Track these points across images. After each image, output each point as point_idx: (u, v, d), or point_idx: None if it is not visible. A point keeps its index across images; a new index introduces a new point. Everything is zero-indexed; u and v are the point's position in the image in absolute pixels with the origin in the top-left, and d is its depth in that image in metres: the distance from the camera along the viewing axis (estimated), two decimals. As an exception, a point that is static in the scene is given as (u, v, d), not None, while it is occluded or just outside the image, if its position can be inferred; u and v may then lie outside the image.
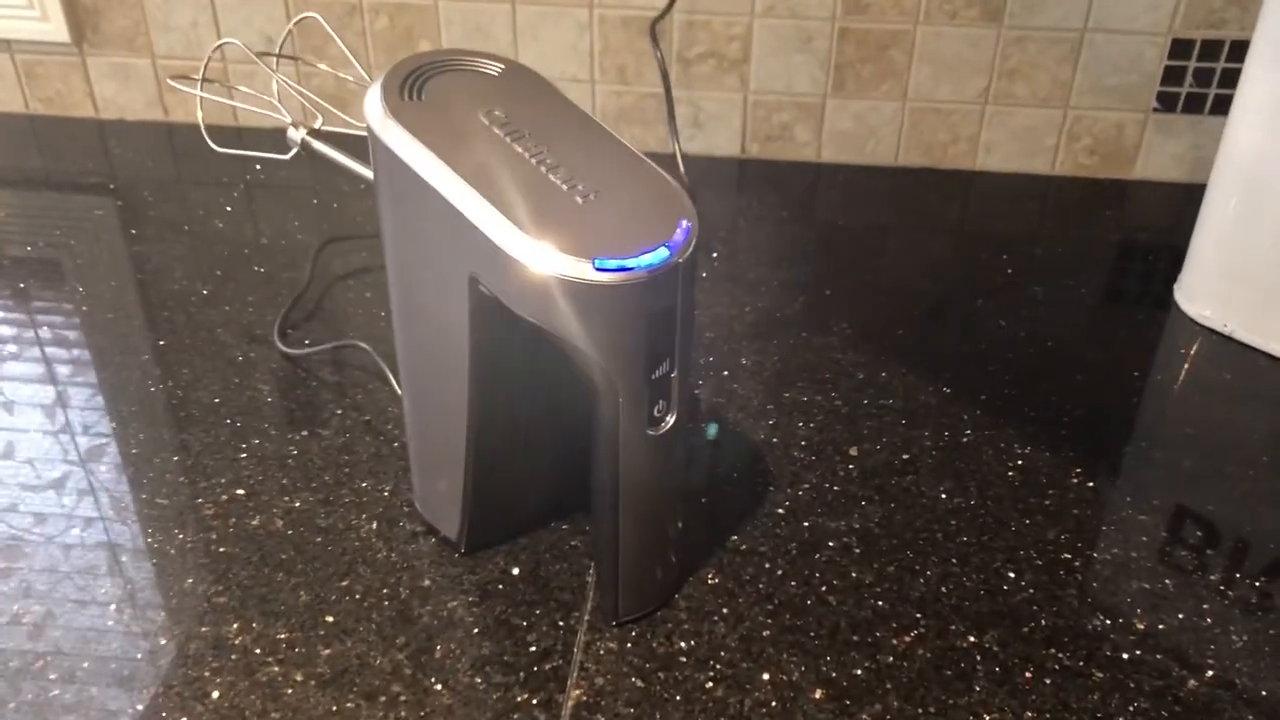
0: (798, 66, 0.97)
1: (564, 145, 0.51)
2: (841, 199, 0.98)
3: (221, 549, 0.62)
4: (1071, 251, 0.91)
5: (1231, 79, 0.89)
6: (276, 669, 0.55)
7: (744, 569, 0.61)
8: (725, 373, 0.76)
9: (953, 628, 0.58)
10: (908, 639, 0.57)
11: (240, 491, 0.66)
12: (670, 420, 0.52)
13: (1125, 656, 0.57)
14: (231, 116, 1.04)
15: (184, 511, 0.64)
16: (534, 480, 0.62)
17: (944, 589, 0.60)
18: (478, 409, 0.55)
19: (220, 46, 1.01)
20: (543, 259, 0.46)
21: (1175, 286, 0.85)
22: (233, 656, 0.56)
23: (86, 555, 0.62)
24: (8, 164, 1.01)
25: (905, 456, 0.69)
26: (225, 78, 1.03)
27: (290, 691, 0.54)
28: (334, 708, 0.53)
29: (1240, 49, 0.88)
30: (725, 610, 0.59)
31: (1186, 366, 0.78)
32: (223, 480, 0.67)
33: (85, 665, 0.56)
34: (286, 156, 0.78)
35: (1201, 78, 0.94)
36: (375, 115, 0.51)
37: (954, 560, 0.62)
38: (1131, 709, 0.54)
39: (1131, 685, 0.55)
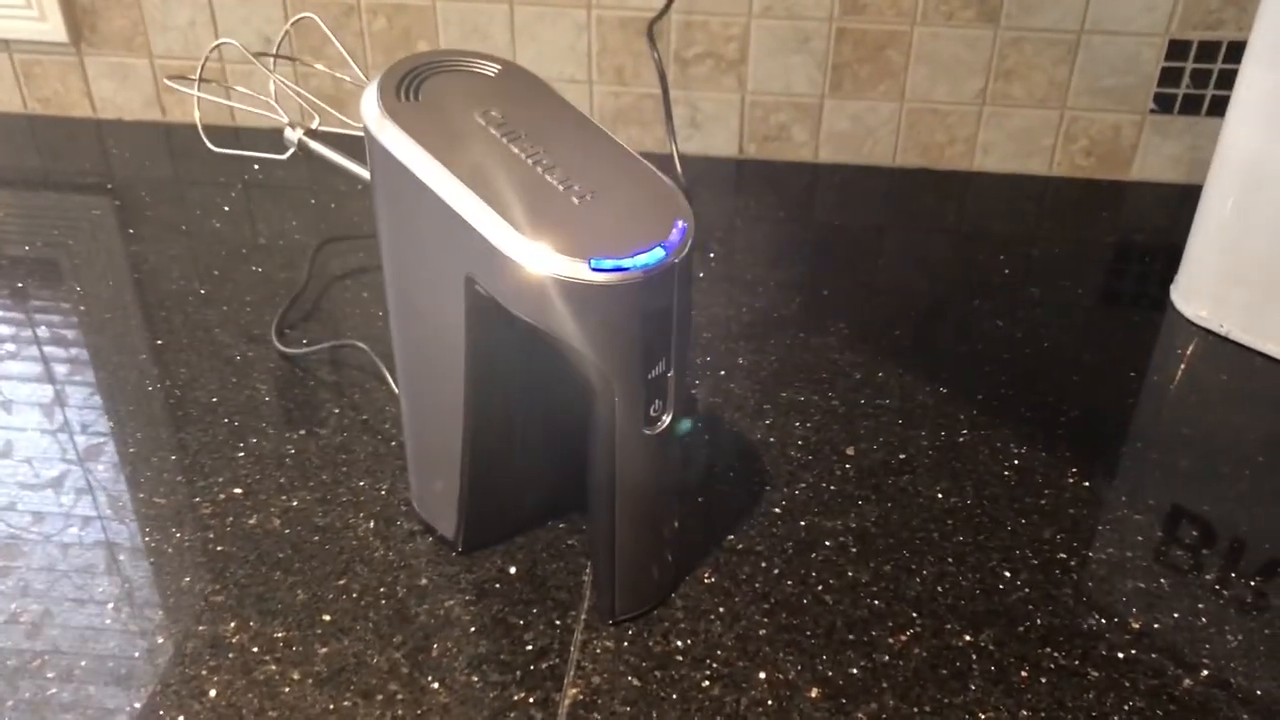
0: (795, 67, 0.97)
1: (560, 146, 0.51)
2: (839, 199, 0.98)
3: (219, 548, 0.62)
4: (1068, 252, 0.91)
5: (1228, 80, 0.89)
6: (274, 667, 0.55)
7: (740, 568, 0.61)
8: (722, 372, 0.76)
9: (949, 627, 0.58)
10: (904, 638, 0.57)
11: (238, 490, 0.66)
12: (666, 420, 0.52)
13: (1121, 656, 0.57)
14: (229, 116, 1.04)
15: (181, 510, 0.65)
16: (531, 480, 0.62)
17: (940, 588, 0.60)
18: (474, 408, 0.55)
19: (218, 46, 1.01)
20: (539, 259, 0.46)
21: (1172, 287, 0.85)
22: (230, 655, 0.56)
23: (84, 554, 0.62)
24: (5, 164, 1.01)
25: (902, 456, 0.69)
26: (223, 78, 1.03)
27: (287, 690, 0.54)
28: (331, 706, 0.53)
29: (1237, 50, 0.88)
30: (722, 609, 0.59)
31: (1183, 367, 0.79)
32: (220, 479, 0.67)
33: (83, 664, 0.56)
34: (284, 156, 0.78)
35: (1198, 79, 0.94)
36: (372, 116, 0.51)
37: (950, 560, 0.62)
38: (1127, 708, 0.54)
39: (1127, 684, 0.55)
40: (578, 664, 0.56)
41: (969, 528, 0.64)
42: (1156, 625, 0.59)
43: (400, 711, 0.53)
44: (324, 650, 0.56)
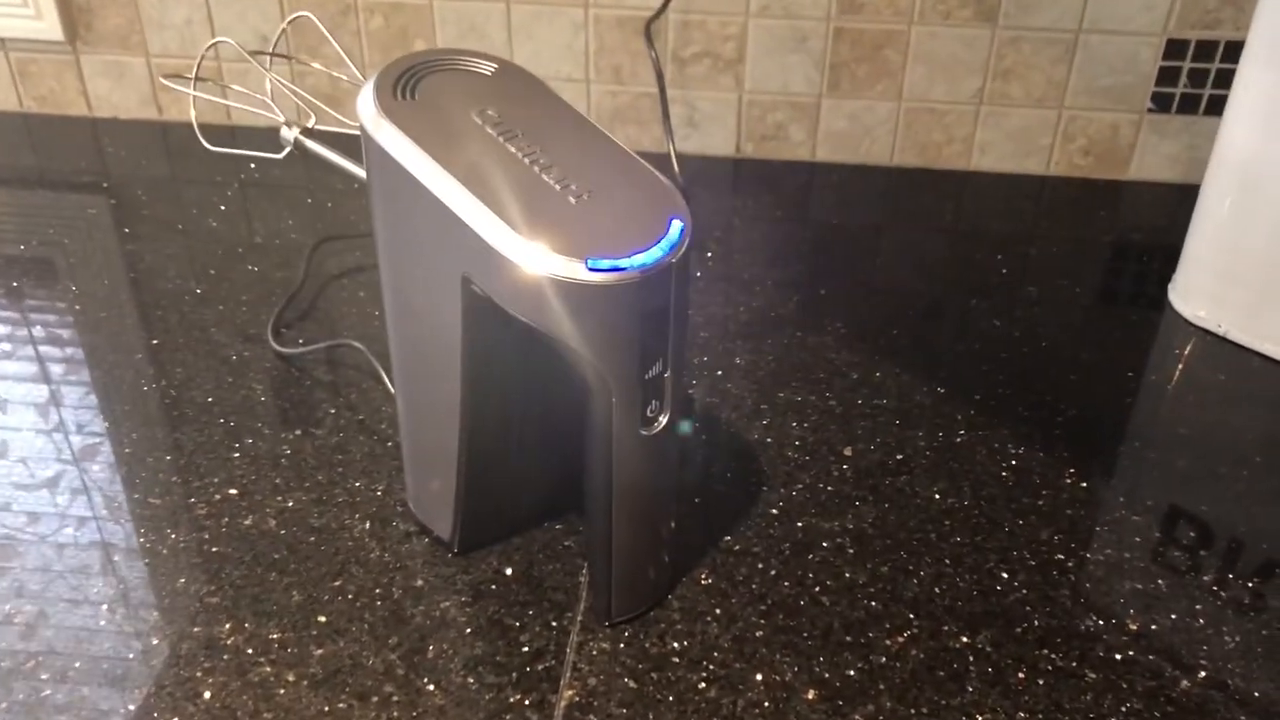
0: (793, 66, 0.97)
1: (557, 145, 0.51)
2: (836, 199, 0.98)
3: (214, 549, 0.62)
4: (1066, 252, 0.91)
5: (1226, 79, 0.89)
6: (269, 669, 0.55)
7: (737, 569, 0.61)
8: (719, 372, 0.76)
9: (946, 628, 0.58)
10: (901, 639, 0.57)
11: (233, 491, 0.66)
12: (663, 420, 0.52)
13: (1118, 657, 0.57)
14: (225, 115, 1.04)
15: (177, 511, 0.64)
16: (527, 480, 0.62)
17: (937, 589, 0.60)
18: (471, 409, 0.55)
19: (214, 45, 1.01)
20: (535, 259, 0.46)
21: (1169, 287, 0.85)
22: (225, 656, 0.56)
23: (79, 555, 0.62)
24: (1, 162, 1.01)
25: (899, 457, 0.69)
26: (219, 77, 1.03)
27: (282, 692, 0.54)
28: (326, 708, 0.53)
29: (1235, 49, 0.88)
30: (718, 610, 0.59)
31: (1180, 367, 0.79)
32: (216, 480, 0.67)
33: (77, 665, 0.55)
34: (280, 156, 0.78)
35: (1196, 78, 0.94)
36: (368, 114, 0.51)
37: (947, 561, 0.62)
38: (1124, 709, 0.54)
39: (1124, 686, 0.55)
40: (574, 665, 0.56)
41: (966, 528, 0.64)
42: (1154, 626, 0.59)
43: (396, 713, 0.53)
44: (319, 652, 0.56)
